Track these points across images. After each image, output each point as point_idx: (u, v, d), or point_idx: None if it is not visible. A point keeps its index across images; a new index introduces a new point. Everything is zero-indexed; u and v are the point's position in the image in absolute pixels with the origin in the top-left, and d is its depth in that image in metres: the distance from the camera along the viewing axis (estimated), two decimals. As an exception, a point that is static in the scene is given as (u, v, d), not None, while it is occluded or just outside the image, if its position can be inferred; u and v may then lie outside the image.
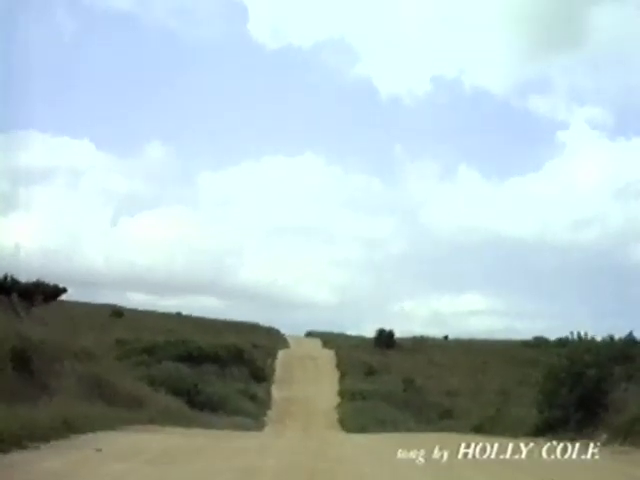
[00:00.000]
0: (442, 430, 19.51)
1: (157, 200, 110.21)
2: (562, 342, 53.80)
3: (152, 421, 15.54)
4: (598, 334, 53.16)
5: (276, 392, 41.03)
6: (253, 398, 37.43)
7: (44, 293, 25.53)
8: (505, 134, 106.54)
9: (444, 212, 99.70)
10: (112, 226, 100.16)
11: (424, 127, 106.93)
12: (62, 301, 65.22)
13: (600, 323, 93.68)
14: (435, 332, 61.95)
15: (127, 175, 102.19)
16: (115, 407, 14.67)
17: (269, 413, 35.29)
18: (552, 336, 54.91)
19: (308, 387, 42.35)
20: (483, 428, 21.50)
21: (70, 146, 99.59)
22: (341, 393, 40.95)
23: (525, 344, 54.04)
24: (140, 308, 70.74)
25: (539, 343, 52.99)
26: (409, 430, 23.69)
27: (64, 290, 27.95)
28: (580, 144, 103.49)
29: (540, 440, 16.25)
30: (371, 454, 13.61)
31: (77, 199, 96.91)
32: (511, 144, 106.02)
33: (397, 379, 43.69)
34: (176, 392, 31.62)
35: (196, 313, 70.57)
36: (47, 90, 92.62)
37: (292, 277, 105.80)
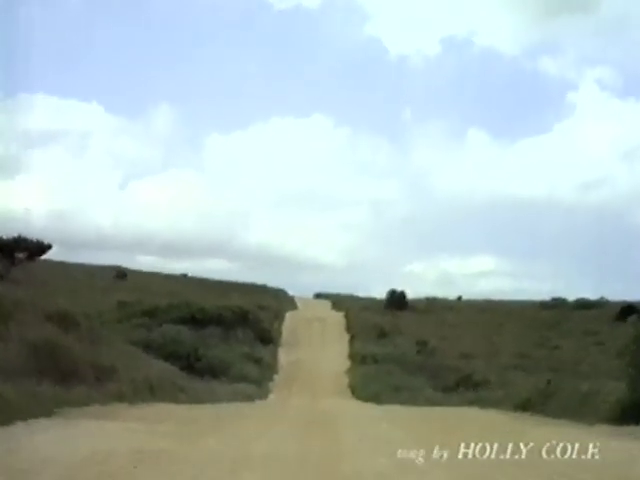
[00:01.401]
0: (472, 403, 16.12)
1: (165, 163, 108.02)
2: (582, 303, 51.13)
3: (121, 398, 12.57)
4: (609, 296, 50.96)
5: (283, 355, 38.23)
6: (258, 362, 34.62)
7: (27, 250, 22.45)
8: (514, 96, 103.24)
9: (452, 174, 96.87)
10: (120, 189, 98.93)
11: (433, 88, 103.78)
12: (62, 262, 63.53)
13: (608, 285, 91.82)
14: (444, 293, 59.41)
15: (135, 138, 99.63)
16: (72, 382, 11.68)
17: (275, 378, 32.52)
18: (569, 296, 52.03)
19: (316, 350, 39.55)
20: (531, 405, 16.02)
21: (78, 109, 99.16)
22: (351, 356, 38.11)
23: (543, 305, 50.95)
24: (145, 270, 68.35)
25: (557, 304, 49.90)
26: (429, 400, 20.69)
27: (49, 247, 24.95)
28: (590, 105, 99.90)
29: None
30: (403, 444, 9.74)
31: (85, 162, 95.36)
32: (520, 106, 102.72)
33: (410, 341, 40.79)
34: (175, 357, 28.93)
35: (204, 276, 68.02)
36: (55, 53, 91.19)
37: (300, 240, 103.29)
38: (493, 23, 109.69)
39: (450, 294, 59.18)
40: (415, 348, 39.41)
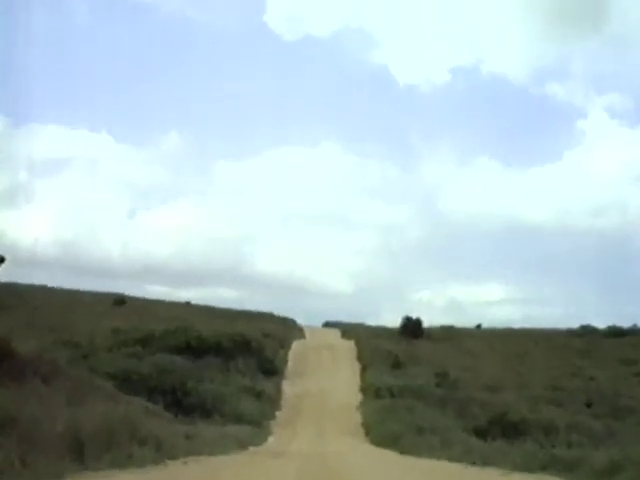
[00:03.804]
0: (544, 468, 11.07)
1: (174, 191, 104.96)
2: (614, 331, 46.04)
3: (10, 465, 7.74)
4: (623, 323, 46.12)
5: (288, 388, 33.32)
6: (259, 396, 29.79)
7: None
8: (523, 121, 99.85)
9: (462, 200, 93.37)
10: (129, 217, 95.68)
11: (441, 115, 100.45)
12: (60, 288, 59.17)
13: (621, 310, 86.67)
14: (454, 321, 54.59)
15: (144, 166, 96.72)
16: None
17: (277, 415, 27.61)
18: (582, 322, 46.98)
19: (325, 381, 34.59)
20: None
21: (88, 138, 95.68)
22: (364, 389, 33.15)
23: (571, 333, 45.72)
24: (148, 297, 63.85)
25: (586, 332, 44.71)
26: (465, 448, 15.69)
27: (2, 260, 20.29)
28: (599, 132, 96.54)
29: None
30: None
31: (94, 191, 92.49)
32: (530, 132, 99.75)
33: (428, 372, 35.80)
34: (159, 391, 24.16)
35: (211, 304, 63.36)
36: (65, 84, 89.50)
37: (309, 266, 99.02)
38: (501, 50, 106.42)
39: (460, 322, 54.54)
40: (434, 379, 34.45)
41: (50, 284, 58.55)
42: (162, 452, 13.53)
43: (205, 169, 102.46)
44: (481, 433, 21.12)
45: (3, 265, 19.49)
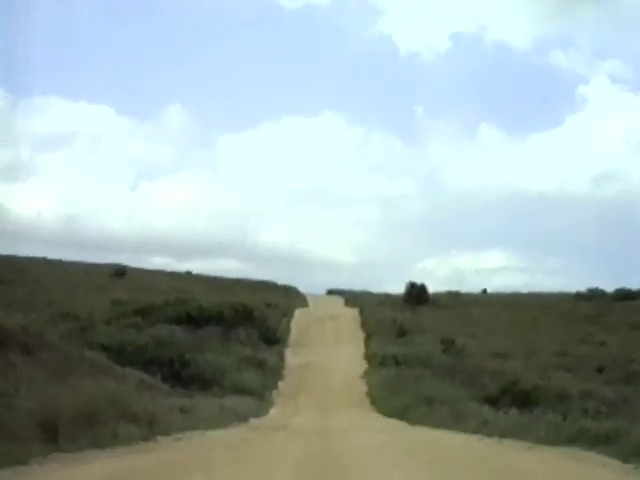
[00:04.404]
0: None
1: (177, 164, 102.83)
2: (624, 294, 44.78)
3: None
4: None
5: (291, 358, 32.33)
6: (261, 366, 28.78)
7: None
8: (526, 90, 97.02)
9: (465, 170, 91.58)
10: (132, 191, 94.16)
11: (444, 85, 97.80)
12: (60, 261, 58.03)
13: (625, 277, 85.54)
14: (458, 290, 53.26)
15: (147, 139, 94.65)
16: None
17: (280, 386, 26.58)
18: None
19: (329, 350, 33.62)
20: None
21: (90, 111, 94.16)
22: (368, 358, 32.10)
23: (579, 297, 44.41)
24: (150, 268, 62.72)
25: (594, 296, 43.44)
26: (480, 419, 14.54)
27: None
28: (601, 98, 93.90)
29: None
30: None
31: (97, 164, 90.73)
32: (532, 100, 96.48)
33: (434, 340, 34.70)
34: (157, 363, 23.10)
35: (213, 274, 62.22)
36: (66, 57, 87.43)
37: (312, 238, 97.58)
38: (503, 17, 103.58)
39: (463, 290, 53.21)
40: (440, 347, 33.37)
41: (51, 257, 57.66)
42: (154, 428, 12.47)
43: (208, 142, 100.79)
44: (492, 402, 20.00)
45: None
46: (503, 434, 11.58)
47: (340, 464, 8.94)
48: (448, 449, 10.10)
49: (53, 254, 59.22)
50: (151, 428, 12.23)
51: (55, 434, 8.37)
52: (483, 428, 13.05)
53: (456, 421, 15.33)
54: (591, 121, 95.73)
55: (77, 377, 11.65)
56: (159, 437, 11.67)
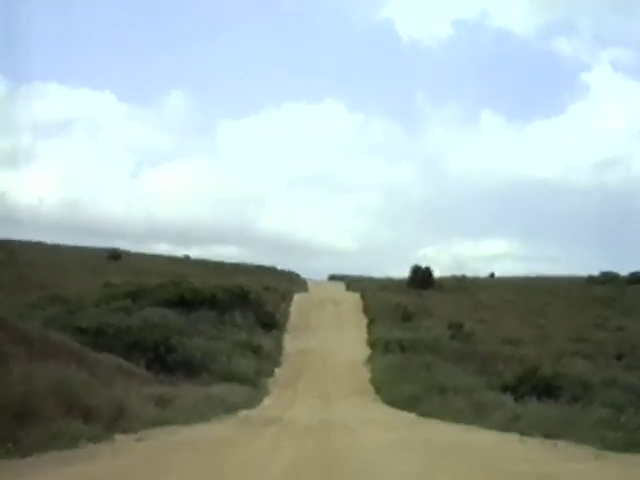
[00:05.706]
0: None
1: (178, 150, 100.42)
2: (637, 277, 42.29)
3: None
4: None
5: (289, 343, 30.08)
6: (257, 351, 26.53)
7: None
8: (528, 77, 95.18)
9: (466, 157, 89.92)
10: (132, 177, 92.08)
11: (446, 71, 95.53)
12: (55, 244, 55.78)
13: (625, 263, 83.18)
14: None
15: (148, 126, 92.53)
16: None
17: (276, 373, 24.29)
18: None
19: (330, 336, 31.35)
20: None
21: (90, 97, 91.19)
22: (371, 343, 29.85)
23: (591, 280, 41.95)
24: (146, 252, 60.42)
25: (608, 279, 40.96)
26: (507, 413, 12.15)
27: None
28: (603, 86, 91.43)
29: None
30: None
31: (97, 150, 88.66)
32: (534, 87, 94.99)
33: (441, 324, 32.46)
34: (141, 348, 20.79)
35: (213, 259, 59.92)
36: (67, 43, 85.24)
37: (314, 225, 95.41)
38: (505, 4, 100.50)
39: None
40: (448, 332, 31.07)
41: (49, 242, 55.52)
42: (117, 424, 10.14)
43: (209, 128, 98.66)
44: (510, 391, 17.67)
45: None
46: (546, 433, 9.23)
47: (345, 475, 6.63)
48: (486, 454, 7.75)
49: (53, 240, 57.17)
50: (112, 424, 9.92)
51: None
52: (514, 424, 10.74)
53: (478, 414, 13.01)
54: (593, 108, 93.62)
55: (16, 362, 9.30)
56: (118, 436, 9.35)
